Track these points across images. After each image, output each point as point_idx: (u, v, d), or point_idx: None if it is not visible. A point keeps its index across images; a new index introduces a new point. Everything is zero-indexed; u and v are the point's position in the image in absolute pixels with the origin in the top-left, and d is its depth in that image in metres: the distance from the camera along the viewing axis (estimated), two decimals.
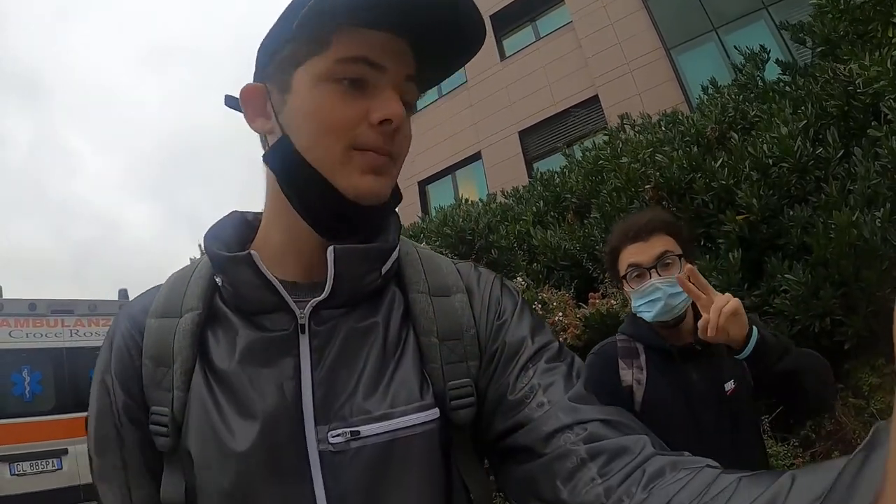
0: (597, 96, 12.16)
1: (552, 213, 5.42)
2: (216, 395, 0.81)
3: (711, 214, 3.81)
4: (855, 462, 0.37)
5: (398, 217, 0.97)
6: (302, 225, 0.84)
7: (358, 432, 0.77)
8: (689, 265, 1.76)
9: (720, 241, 3.72)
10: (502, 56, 14.65)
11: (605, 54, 12.21)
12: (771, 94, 4.49)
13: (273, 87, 0.84)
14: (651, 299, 1.87)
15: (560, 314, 3.85)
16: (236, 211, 0.99)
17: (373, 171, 0.79)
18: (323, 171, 0.79)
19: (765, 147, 3.75)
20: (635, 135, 5.20)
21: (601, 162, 4.83)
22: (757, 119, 4.31)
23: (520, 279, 4.46)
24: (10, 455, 7.36)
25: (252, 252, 0.82)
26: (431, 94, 16.26)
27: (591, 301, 3.85)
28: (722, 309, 1.66)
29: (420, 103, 13.66)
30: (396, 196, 0.89)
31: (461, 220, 6.13)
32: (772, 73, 5.09)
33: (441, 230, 6.15)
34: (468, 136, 14.75)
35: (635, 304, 1.93)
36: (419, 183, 15.76)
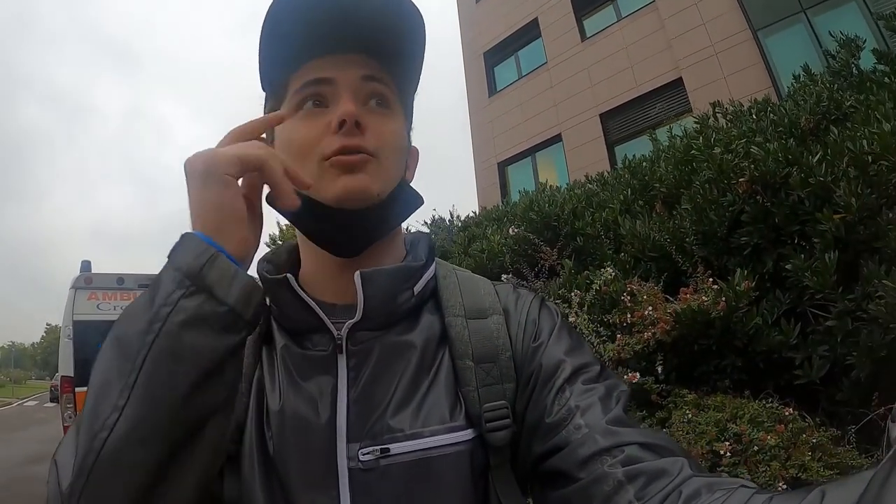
0: (680, 79, 11.93)
1: (639, 201, 5.31)
2: (265, 406, 0.86)
3: (808, 212, 3.68)
4: (882, 471, 0.37)
5: (429, 237, 1.01)
6: (324, 253, 0.88)
7: (388, 450, 0.79)
8: None
9: (815, 240, 3.59)
10: (583, 37, 14.50)
11: (689, 35, 11.94)
12: (868, 84, 4.36)
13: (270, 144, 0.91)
14: None
15: (650, 308, 3.81)
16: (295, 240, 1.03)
17: (344, 172, 0.81)
18: (307, 192, 0.82)
19: (864, 143, 3.59)
20: (726, 124, 5.10)
21: (693, 152, 4.73)
22: (852, 109, 4.14)
23: (609, 269, 4.45)
24: None
25: (288, 275, 0.86)
26: (511, 74, 16.30)
27: (681, 296, 3.79)
28: None
29: (500, 83, 13.79)
30: (406, 197, 0.92)
31: (546, 205, 6.16)
32: (867, 61, 4.94)
33: (526, 215, 6.18)
34: (548, 118, 14.70)
35: None
36: (499, 164, 15.81)
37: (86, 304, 8.69)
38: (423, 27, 0.86)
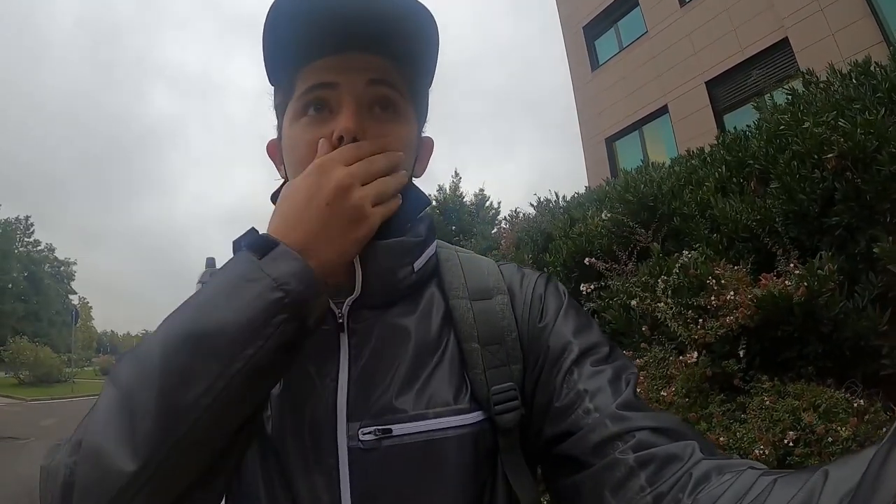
0: (786, 39, 11.21)
1: (735, 179, 5.04)
2: None
3: None
4: (881, 452, 0.38)
5: (431, 219, 0.99)
6: None
7: (390, 430, 0.79)
8: None
9: None
10: (682, 2, 13.90)
11: None
12: None
13: (278, 138, 0.94)
14: None
15: (732, 293, 3.69)
16: None
17: None
18: None
19: None
20: (819, 94, 4.79)
21: (781, 127, 4.48)
22: None
23: (687, 252, 4.35)
24: None
25: None
26: (612, 47, 15.95)
27: (761, 282, 3.64)
28: None
29: (601, 57, 13.33)
30: (410, 201, 0.90)
31: (643, 185, 6.07)
32: None
33: (623, 196, 6.10)
34: (653, 90, 14.28)
35: None
36: (606, 140, 15.53)
37: None
38: (433, 22, 0.83)
